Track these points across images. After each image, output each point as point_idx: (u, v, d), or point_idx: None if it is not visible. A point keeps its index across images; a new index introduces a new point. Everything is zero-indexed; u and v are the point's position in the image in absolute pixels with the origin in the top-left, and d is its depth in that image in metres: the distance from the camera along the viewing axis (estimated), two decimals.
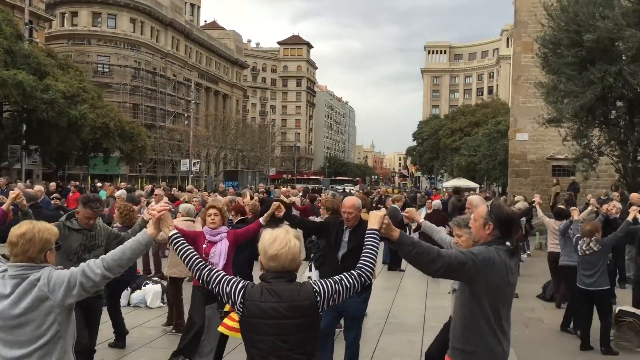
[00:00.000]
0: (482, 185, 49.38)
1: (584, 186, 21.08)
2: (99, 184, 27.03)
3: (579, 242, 7.38)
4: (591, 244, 7.21)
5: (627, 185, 16.38)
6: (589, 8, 15.24)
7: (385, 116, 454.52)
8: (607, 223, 8.86)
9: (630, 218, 7.58)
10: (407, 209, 5.51)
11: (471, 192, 26.33)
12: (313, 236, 9.41)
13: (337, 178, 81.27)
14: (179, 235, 3.19)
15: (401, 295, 10.83)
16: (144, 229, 3.20)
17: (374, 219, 3.09)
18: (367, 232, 3.11)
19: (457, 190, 23.43)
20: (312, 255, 8.50)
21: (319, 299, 2.86)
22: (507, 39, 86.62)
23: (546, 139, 23.51)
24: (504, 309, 3.30)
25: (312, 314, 2.85)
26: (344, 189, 47.72)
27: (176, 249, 3.13)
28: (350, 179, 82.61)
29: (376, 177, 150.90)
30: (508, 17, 24.82)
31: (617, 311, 7.69)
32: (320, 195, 19.39)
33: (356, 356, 5.79)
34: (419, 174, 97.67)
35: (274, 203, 6.06)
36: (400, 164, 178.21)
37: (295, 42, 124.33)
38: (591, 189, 21.31)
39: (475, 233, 3.42)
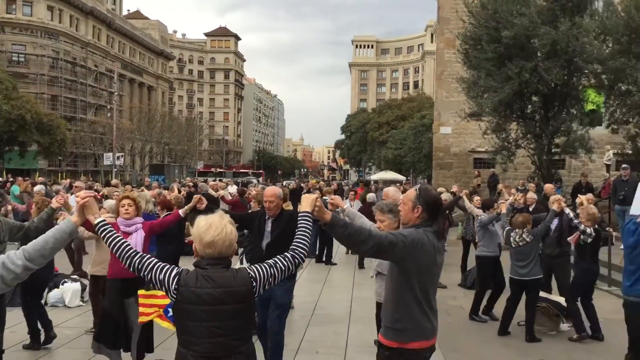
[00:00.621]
0: (409, 178, 50.53)
1: (503, 178, 21.94)
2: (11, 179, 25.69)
3: (511, 234, 7.58)
4: (524, 235, 7.44)
5: (542, 176, 17.19)
6: (507, 5, 15.86)
7: (315, 109, 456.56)
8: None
9: (555, 207, 7.91)
10: (332, 196, 5.62)
11: (398, 184, 26.88)
12: (245, 230, 9.35)
13: (240, 171, 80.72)
14: (105, 222, 3.12)
15: (328, 287, 10.92)
16: (69, 217, 3.10)
17: (306, 202, 3.17)
18: (299, 214, 3.18)
19: (367, 183, 23.89)
20: (242, 248, 8.44)
21: (254, 284, 2.88)
22: (432, 35, 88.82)
23: (468, 132, 24.29)
24: (432, 288, 3.46)
25: (247, 299, 2.87)
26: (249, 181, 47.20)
27: (104, 237, 3.07)
28: (253, 171, 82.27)
29: (305, 170, 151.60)
30: (432, 13, 25.67)
31: None
32: (248, 188, 19.25)
33: (280, 345, 5.81)
34: (347, 166, 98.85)
35: (195, 196, 5.99)
36: (329, 157, 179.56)
37: (222, 33, 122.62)
38: (510, 180, 22.22)
39: (404, 216, 3.53)
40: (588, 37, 15.04)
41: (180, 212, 6.10)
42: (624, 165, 15.04)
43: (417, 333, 3.37)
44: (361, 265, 12.79)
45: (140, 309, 5.03)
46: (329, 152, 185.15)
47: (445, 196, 11.84)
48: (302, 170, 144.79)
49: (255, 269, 2.93)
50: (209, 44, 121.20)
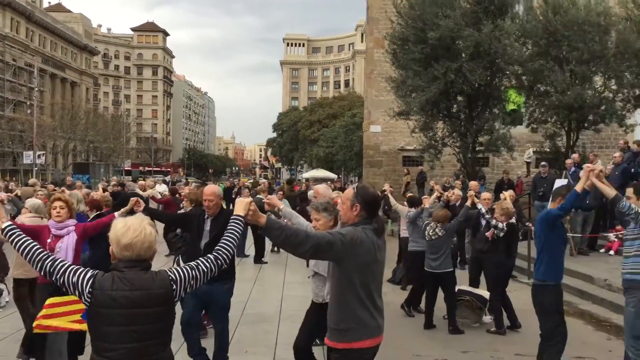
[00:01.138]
0: (340, 176, 51.01)
1: (431, 175, 22.49)
2: None
3: (427, 228, 7.89)
4: (437, 230, 7.74)
5: (467, 173, 17.74)
6: (432, 7, 16.25)
7: (246, 107, 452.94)
8: (448, 209, 9.52)
9: (468, 203, 8.20)
10: (268, 196, 5.65)
11: (329, 182, 27.08)
12: (178, 230, 9.13)
13: (149, 169, 79.26)
14: (13, 226, 2.98)
15: (259, 286, 10.85)
16: None
17: (240, 205, 3.13)
18: (231, 218, 3.12)
19: (290, 181, 24.05)
20: (175, 249, 8.25)
21: (174, 287, 2.80)
22: (362, 35, 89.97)
23: (397, 130, 24.75)
24: (375, 286, 3.46)
25: (167, 302, 2.78)
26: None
27: (12, 242, 2.92)
28: (163, 169, 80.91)
29: (237, 168, 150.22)
30: (362, 13, 25.79)
31: (456, 290, 8.30)
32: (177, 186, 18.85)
33: (225, 345, 5.81)
34: (279, 165, 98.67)
35: (133, 198, 5.85)
36: (261, 155, 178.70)
37: (150, 29, 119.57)
38: (437, 177, 22.79)
39: (343, 215, 3.56)
40: (509, 39, 15.63)
41: (116, 214, 5.92)
42: (542, 163, 15.73)
43: (362, 332, 3.37)
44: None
45: (43, 316, 4.74)
46: (260, 151, 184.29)
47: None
48: (233, 168, 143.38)
49: (176, 271, 2.85)
50: (135, 39, 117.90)
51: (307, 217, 5.37)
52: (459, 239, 12.43)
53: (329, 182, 26.36)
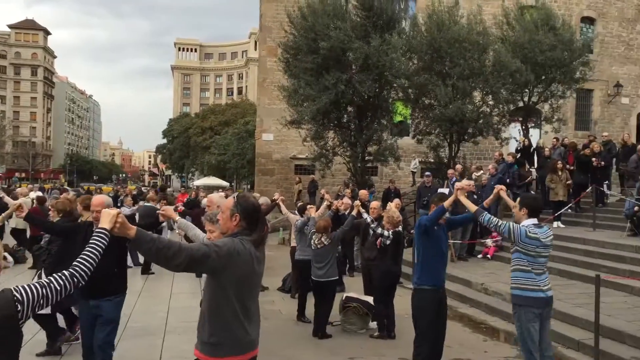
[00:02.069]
0: (232, 184, 50.48)
1: (322, 184, 22.80)
2: None
3: (313, 237, 7.97)
4: (322, 239, 7.83)
5: (356, 182, 18.15)
6: (324, 19, 16.54)
7: (135, 112, 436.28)
8: (337, 218, 9.67)
9: (354, 213, 8.37)
10: (163, 207, 5.39)
11: (220, 190, 26.68)
12: (42, 242, 8.54)
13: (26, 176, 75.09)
14: None
15: (144, 298, 10.43)
16: None
17: (106, 217, 2.90)
18: (95, 231, 2.92)
19: (163, 188, 23.59)
20: (40, 262, 7.70)
21: (19, 308, 2.47)
22: (255, 42, 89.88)
23: (289, 139, 24.89)
24: (251, 299, 3.37)
25: (8, 325, 2.45)
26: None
27: None
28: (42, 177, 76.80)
29: (124, 175, 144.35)
30: (256, 21, 25.70)
31: (344, 297, 8.45)
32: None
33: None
34: (169, 172, 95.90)
35: (15, 202, 5.43)
36: (150, 162, 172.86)
37: (29, 26, 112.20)
38: (328, 186, 23.14)
39: (223, 225, 3.43)
40: (396, 53, 16.22)
41: None
42: (426, 173, 16.48)
43: (233, 347, 3.26)
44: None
45: None
46: (150, 157, 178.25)
47: (263, 200, 11.99)
48: (120, 175, 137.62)
49: (22, 290, 2.52)
50: (13, 37, 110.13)
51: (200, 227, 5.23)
52: (348, 247, 12.67)
53: (220, 190, 25.98)
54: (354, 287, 10.21)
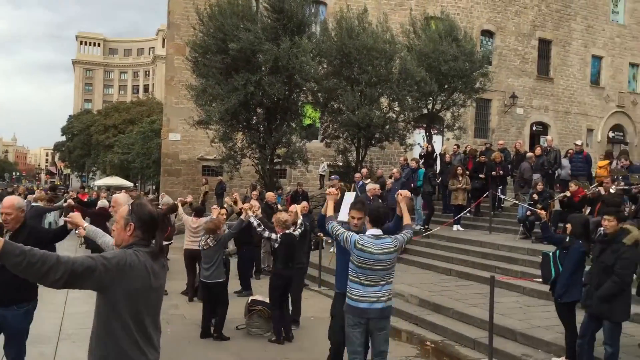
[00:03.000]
0: (137, 184, 48.84)
1: (231, 185, 22.53)
2: None
3: (202, 238, 7.99)
4: (209, 240, 7.82)
5: (264, 185, 18.07)
6: (233, 19, 16.35)
7: (31, 108, 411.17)
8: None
9: (243, 217, 8.29)
10: (70, 215, 4.84)
11: (124, 190, 25.70)
12: None
13: None
14: None
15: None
16: None
17: None
18: None
19: (53, 188, 22.66)
20: None
21: None
22: (163, 40, 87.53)
23: (197, 139, 24.38)
24: (149, 316, 3.03)
25: None
26: None
27: None
28: None
29: (18, 173, 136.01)
30: (164, 17, 24.97)
31: (249, 301, 8.36)
32: None
33: None
34: (68, 171, 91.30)
35: None
36: (47, 160, 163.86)
37: None
38: (237, 188, 22.90)
39: (116, 236, 3.10)
40: (306, 57, 16.32)
41: None
42: (332, 177, 16.69)
43: None
44: None
45: None
46: (47, 155, 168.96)
47: (166, 200, 11.71)
48: (14, 173, 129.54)
49: None
50: None
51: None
52: (254, 250, 12.59)
53: (124, 191, 25.02)
54: (261, 291, 10.14)
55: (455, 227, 15.08)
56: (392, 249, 5.17)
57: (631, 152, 25.21)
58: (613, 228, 6.03)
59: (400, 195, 5.65)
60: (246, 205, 9.75)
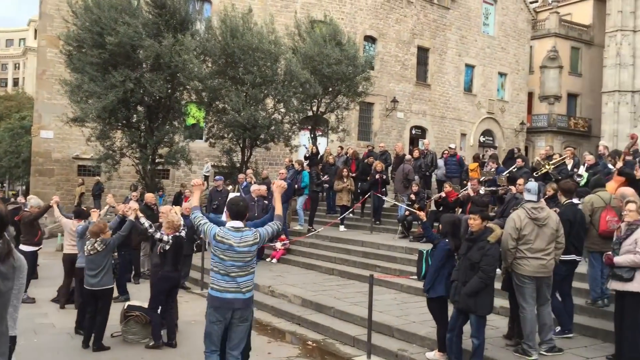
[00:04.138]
0: (4, 185, 45.33)
1: (109, 186, 21.52)
2: None
3: (86, 242, 7.47)
4: (96, 245, 7.36)
5: (146, 185, 17.44)
6: (111, 13, 15.60)
7: None
8: (123, 223, 9.15)
9: (132, 217, 7.98)
10: None
11: None
12: None
13: None
14: None
15: None
16: None
17: None
18: None
19: None
20: None
21: None
22: (35, 30, 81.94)
23: (72, 138, 23.04)
24: None
25: None
26: None
27: None
28: None
29: None
30: (36, 7, 23.25)
31: (126, 306, 8.01)
32: None
33: None
34: None
35: None
36: None
37: None
38: (115, 189, 21.93)
39: None
40: (189, 55, 15.93)
41: None
42: (217, 177, 16.44)
43: None
44: None
45: None
46: None
47: (34, 202, 10.96)
48: None
49: None
50: None
51: None
52: (134, 253, 12.13)
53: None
54: (139, 295, 9.76)
55: (341, 228, 15.39)
56: (251, 242, 5.26)
57: (499, 155, 27.11)
58: (477, 226, 6.42)
59: (275, 184, 5.75)
60: (124, 206, 9.38)
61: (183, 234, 8.02)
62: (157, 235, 7.76)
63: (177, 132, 17.91)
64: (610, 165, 10.75)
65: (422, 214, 7.90)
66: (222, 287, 5.22)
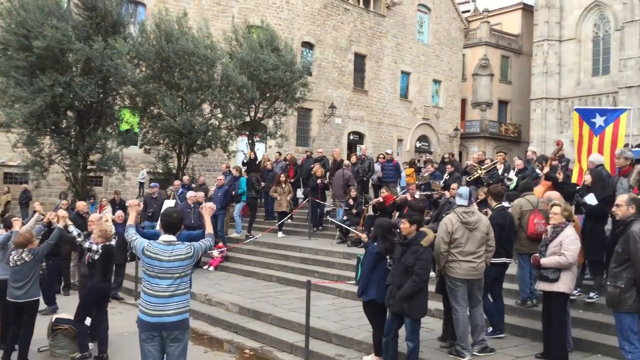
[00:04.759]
0: None
1: (37, 194, 20.64)
2: None
3: (12, 252, 7.08)
4: (23, 255, 6.99)
5: (77, 193, 16.82)
6: (36, 15, 14.99)
7: None
8: (50, 232, 8.78)
9: (61, 224, 7.68)
10: None
11: None
12: None
13: None
14: None
15: None
16: None
17: None
18: None
19: None
20: None
21: None
22: None
23: None
24: None
25: None
26: None
27: None
28: None
29: None
30: None
31: (53, 319, 7.69)
32: None
33: None
34: None
35: None
36: None
37: None
38: (44, 197, 21.07)
39: None
40: (122, 59, 15.51)
41: None
42: (152, 184, 16.07)
43: None
44: None
45: None
46: None
47: None
48: None
49: None
50: None
51: None
52: (62, 263, 11.69)
53: None
54: (68, 308, 9.38)
55: (279, 234, 15.34)
56: (184, 256, 4.96)
57: (435, 160, 27.73)
58: (407, 230, 6.52)
59: (203, 208, 5.50)
60: (52, 214, 9.00)
61: (113, 242, 7.77)
62: (86, 245, 7.50)
63: (110, 138, 17.37)
64: (538, 170, 11.16)
65: (363, 236, 7.78)
66: (150, 309, 4.89)
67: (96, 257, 7.39)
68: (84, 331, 7.36)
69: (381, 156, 17.12)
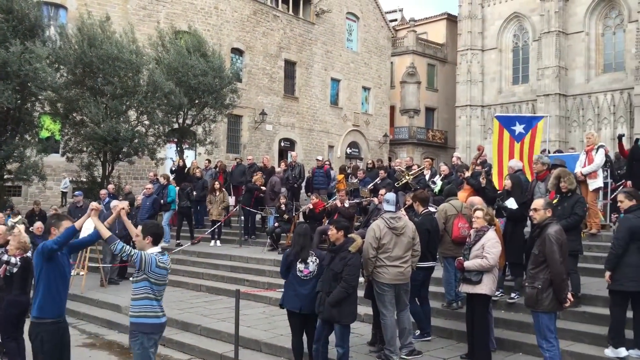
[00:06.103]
0: None
1: None
2: None
3: None
4: None
5: None
6: None
7: None
8: None
9: None
10: None
11: None
12: None
13: None
14: None
15: None
16: None
17: None
18: None
19: None
20: None
21: None
22: None
23: None
24: None
25: None
26: None
27: None
28: None
29: None
30: None
31: None
32: None
33: None
34: None
35: None
36: None
37: None
38: None
39: None
40: (41, 63, 14.89)
41: None
42: (75, 193, 15.42)
43: None
44: None
45: None
46: None
47: None
48: None
49: None
50: None
51: None
52: None
53: None
54: None
55: (212, 242, 15.08)
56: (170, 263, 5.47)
57: (364, 166, 28.12)
58: (334, 237, 6.58)
59: (114, 207, 5.67)
60: None
61: (30, 254, 7.40)
62: (5, 258, 7.11)
63: (29, 146, 16.62)
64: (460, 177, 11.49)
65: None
66: (161, 312, 5.34)
67: (15, 270, 7.02)
68: (14, 350, 6.97)
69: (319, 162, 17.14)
